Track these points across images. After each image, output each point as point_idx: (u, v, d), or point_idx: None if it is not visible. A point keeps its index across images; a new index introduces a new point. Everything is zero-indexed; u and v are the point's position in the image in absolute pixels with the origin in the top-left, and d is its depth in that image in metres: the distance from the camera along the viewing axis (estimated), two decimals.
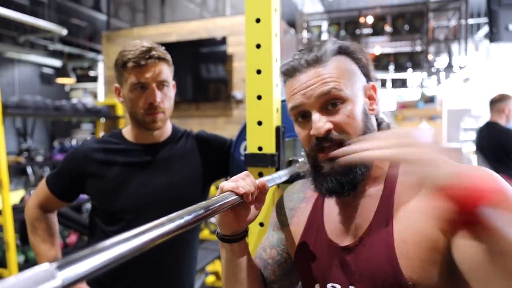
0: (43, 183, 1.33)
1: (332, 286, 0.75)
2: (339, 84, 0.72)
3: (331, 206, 0.82)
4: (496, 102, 3.33)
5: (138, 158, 1.27)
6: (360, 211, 0.75)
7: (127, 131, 1.32)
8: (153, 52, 1.19)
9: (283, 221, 0.91)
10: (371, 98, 0.79)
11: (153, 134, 1.29)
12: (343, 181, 0.72)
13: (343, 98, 0.72)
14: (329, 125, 0.72)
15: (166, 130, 1.32)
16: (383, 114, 0.85)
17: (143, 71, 1.19)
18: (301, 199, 0.89)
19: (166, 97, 1.24)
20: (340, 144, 0.71)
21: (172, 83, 1.28)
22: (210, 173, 1.37)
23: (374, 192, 0.75)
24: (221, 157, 1.35)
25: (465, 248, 0.59)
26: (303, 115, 0.76)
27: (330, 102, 0.73)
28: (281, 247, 0.90)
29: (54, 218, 1.37)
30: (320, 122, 0.72)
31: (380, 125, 0.82)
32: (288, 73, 0.78)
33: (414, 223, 0.67)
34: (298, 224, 0.86)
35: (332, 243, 0.77)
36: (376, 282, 0.68)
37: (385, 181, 0.75)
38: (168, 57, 1.25)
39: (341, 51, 0.77)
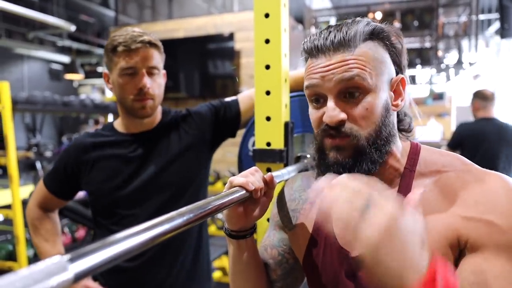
0: (40, 184, 1.34)
1: None
2: (364, 72, 0.65)
3: None
4: (491, 98, 3.32)
5: (128, 149, 1.27)
6: None
7: (118, 122, 1.32)
8: (144, 37, 1.17)
9: (285, 222, 0.86)
10: (397, 92, 0.71)
11: (143, 122, 1.27)
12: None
13: (365, 88, 0.66)
14: (343, 116, 0.66)
15: (156, 117, 1.31)
16: (412, 108, 0.80)
17: (133, 55, 1.16)
18: (305, 200, 0.85)
19: (156, 84, 1.22)
20: (349, 136, 0.66)
21: (162, 71, 1.27)
22: (206, 146, 1.36)
23: None
24: (213, 124, 1.35)
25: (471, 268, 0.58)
26: (317, 98, 0.70)
27: (350, 91, 0.66)
28: (282, 247, 0.87)
29: (55, 217, 1.37)
30: (335, 111, 0.66)
31: (400, 122, 0.76)
32: (311, 52, 0.70)
33: (432, 232, 0.62)
34: (304, 228, 0.82)
35: (342, 250, 0.73)
36: None
37: (399, 185, 0.70)
38: (160, 44, 1.23)
39: (374, 35, 0.69)
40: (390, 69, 0.70)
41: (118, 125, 1.32)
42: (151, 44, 1.19)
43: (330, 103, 0.67)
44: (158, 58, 1.22)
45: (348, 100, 0.67)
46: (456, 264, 0.61)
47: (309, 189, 0.83)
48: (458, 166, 0.67)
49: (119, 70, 1.18)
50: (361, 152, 0.67)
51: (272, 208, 0.93)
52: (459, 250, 0.61)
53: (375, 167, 0.68)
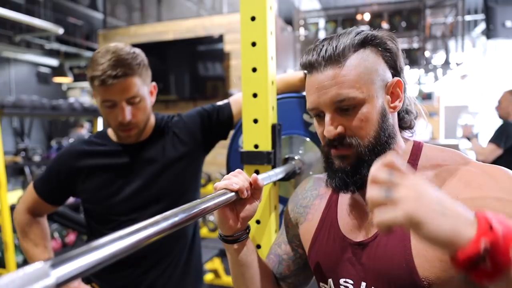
0: (30, 188, 1.31)
1: (345, 282, 0.75)
2: (355, 87, 0.70)
3: (345, 202, 0.81)
4: None
5: (123, 159, 1.26)
6: None
7: (112, 131, 1.31)
8: (119, 69, 1.11)
9: (297, 218, 0.91)
10: (394, 94, 0.75)
11: None
12: (348, 180, 0.73)
13: (359, 102, 0.70)
14: (340, 129, 0.72)
15: (148, 126, 1.30)
16: (417, 107, 0.83)
17: (110, 90, 1.13)
18: (315, 196, 0.90)
19: (139, 111, 1.19)
20: (350, 146, 0.72)
21: (148, 90, 1.23)
22: (200, 149, 1.37)
23: None
24: (206, 129, 1.35)
25: None
26: (319, 114, 0.75)
27: (343, 107, 0.71)
28: (296, 242, 0.91)
29: (44, 221, 1.35)
30: (332, 125, 0.72)
31: (401, 120, 0.80)
32: (306, 68, 0.76)
33: None
34: (312, 221, 0.86)
35: (345, 239, 0.77)
36: (389, 280, 0.67)
37: None
38: (138, 66, 1.17)
39: (366, 43, 0.72)
40: (383, 74, 0.73)
41: (112, 133, 1.31)
42: (128, 74, 1.14)
43: (327, 118, 0.72)
44: (138, 84, 1.17)
45: (344, 113, 0.72)
46: None
47: (321, 187, 0.90)
48: (459, 160, 0.71)
49: (100, 101, 1.17)
50: (361, 159, 0.72)
51: (286, 206, 0.98)
52: None
53: None
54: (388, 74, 0.74)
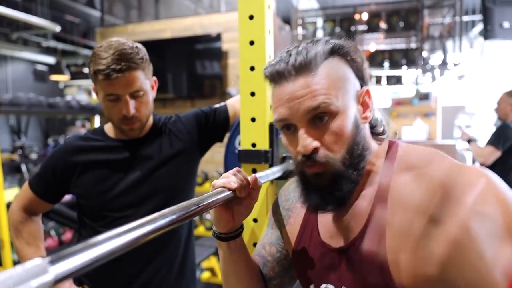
0: (25, 186, 1.31)
1: (326, 287, 0.75)
2: (329, 97, 0.66)
3: None
4: None
5: (120, 155, 1.26)
6: (354, 213, 0.73)
7: (109, 127, 1.31)
8: (123, 64, 1.12)
9: (280, 220, 0.90)
10: (364, 104, 0.73)
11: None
12: (328, 198, 0.70)
13: (333, 112, 0.67)
14: (316, 144, 0.68)
15: (147, 125, 1.30)
16: (378, 113, 0.81)
17: (114, 83, 1.13)
18: (297, 198, 0.88)
19: (142, 105, 1.20)
20: (324, 164, 0.68)
21: (150, 85, 1.24)
22: (196, 150, 1.37)
23: (368, 193, 0.72)
24: (203, 130, 1.36)
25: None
26: (288, 127, 0.71)
27: (318, 117, 0.68)
28: (280, 244, 0.90)
29: (38, 220, 1.34)
30: (307, 140, 0.68)
31: (373, 128, 0.78)
32: (273, 79, 0.71)
33: (410, 228, 0.63)
34: (294, 225, 0.86)
35: (325, 245, 0.76)
36: (367, 286, 0.67)
37: (380, 181, 0.71)
38: (141, 60, 1.18)
39: (334, 52, 0.70)
40: (354, 84, 0.72)
41: (109, 130, 1.31)
42: (132, 68, 1.14)
43: (301, 132, 0.68)
44: (142, 78, 1.18)
45: (318, 126, 0.68)
46: None
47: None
48: (437, 160, 0.68)
49: (103, 95, 1.17)
50: (339, 175, 0.69)
51: (269, 208, 0.97)
52: None
53: (355, 185, 0.71)
54: (357, 83, 0.73)
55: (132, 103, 1.17)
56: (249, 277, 0.85)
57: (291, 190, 0.91)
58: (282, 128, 0.73)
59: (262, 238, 0.95)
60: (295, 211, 0.87)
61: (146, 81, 1.21)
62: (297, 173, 0.74)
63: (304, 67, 0.67)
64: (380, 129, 0.79)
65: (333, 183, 0.69)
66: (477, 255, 0.55)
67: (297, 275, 0.85)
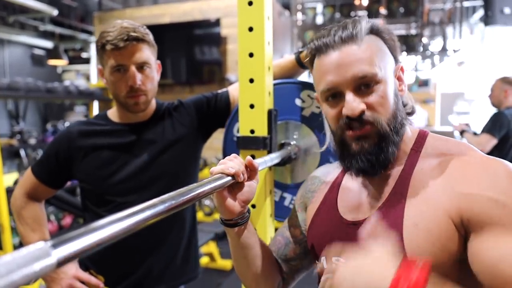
0: (28, 172, 1.31)
1: (337, 260, 0.76)
2: (374, 65, 0.71)
3: (348, 185, 0.84)
4: None
5: (123, 138, 1.27)
6: (376, 191, 0.76)
7: (113, 112, 1.32)
8: (132, 34, 1.15)
9: (305, 202, 0.94)
10: (400, 79, 0.79)
11: (138, 114, 1.28)
12: (373, 160, 0.72)
13: (378, 79, 0.72)
14: (363, 106, 0.71)
15: (150, 109, 1.32)
16: (408, 96, 0.85)
17: (122, 53, 1.16)
18: (323, 181, 0.92)
19: (148, 79, 1.22)
20: (371, 124, 0.71)
21: (155, 63, 1.26)
22: (199, 135, 1.38)
23: (393, 172, 0.76)
24: (204, 115, 1.37)
25: (483, 252, 0.60)
26: (334, 95, 0.75)
27: (365, 84, 0.72)
28: (304, 227, 0.93)
29: (42, 206, 1.34)
30: (355, 102, 0.71)
31: (404, 106, 0.81)
32: (321, 49, 0.75)
33: (429, 209, 0.67)
34: (315, 203, 0.89)
35: (342, 219, 0.79)
36: None
37: (405, 162, 0.75)
38: (149, 37, 1.22)
39: (373, 30, 0.76)
40: (391, 58, 0.77)
41: (112, 115, 1.32)
42: (139, 40, 1.17)
43: (349, 96, 0.72)
44: (148, 53, 1.21)
45: (364, 91, 0.72)
46: (465, 242, 0.64)
47: (330, 174, 0.91)
48: (463, 150, 0.72)
49: (110, 68, 1.19)
50: (384, 137, 0.72)
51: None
52: (463, 228, 0.64)
53: (396, 149, 0.74)
54: (393, 60, 0.78)
55: (138, 76, 1.19)
56: (260, 260, 0.87)
57: (319, 174, 0.95)
58: (327, 98, 0.76)
59: (287, 221, 0.98)
60: (319, 191, 0.90)
61: (152, 58, 1.23)
62: (337, 142, 0.77)
63: (350, 39, 0.72)
64: (410, 109, 0.81)
65: (378, 144, 0.72)
66: (506, 239, 0.60)
67: (310, 248, 0.87)
